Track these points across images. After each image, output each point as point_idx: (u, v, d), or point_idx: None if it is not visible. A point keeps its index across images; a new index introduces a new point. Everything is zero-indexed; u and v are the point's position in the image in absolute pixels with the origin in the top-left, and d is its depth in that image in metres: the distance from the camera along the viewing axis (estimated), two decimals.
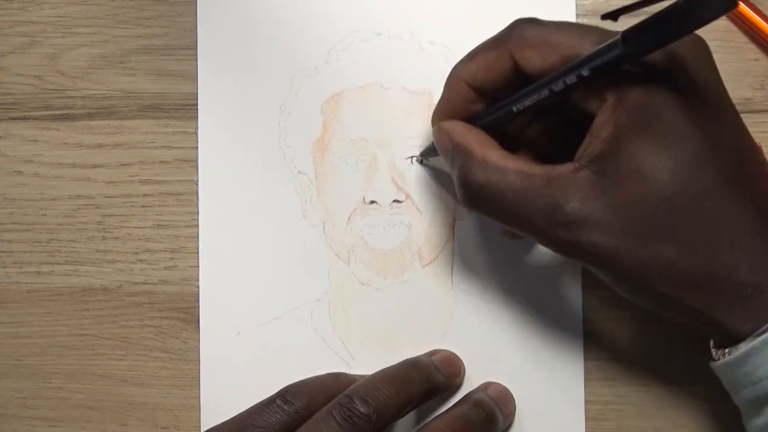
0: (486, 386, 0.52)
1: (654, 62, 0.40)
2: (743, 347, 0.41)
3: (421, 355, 0.52)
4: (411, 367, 0.50)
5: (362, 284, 0.53)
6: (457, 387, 0.52)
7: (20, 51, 0.55)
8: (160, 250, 0.54)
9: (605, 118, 0.40)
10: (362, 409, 0.44)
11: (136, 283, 0.54)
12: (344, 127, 0.53)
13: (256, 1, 0.54)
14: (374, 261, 0.53)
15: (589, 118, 0.42)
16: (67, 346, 0.54)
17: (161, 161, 0.54)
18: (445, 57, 0.53)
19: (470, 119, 0.46)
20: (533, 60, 0.43)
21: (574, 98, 0.42)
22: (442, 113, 0.47)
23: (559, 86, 0.41)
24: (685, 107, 0.40)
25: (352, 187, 0.53)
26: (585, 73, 0.40)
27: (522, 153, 0.46)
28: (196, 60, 0.54)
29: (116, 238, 0.54)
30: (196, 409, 0.54)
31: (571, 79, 0.41)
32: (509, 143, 0.46)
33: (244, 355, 0.53)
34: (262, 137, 0.53)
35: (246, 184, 0.53)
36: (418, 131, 0.53)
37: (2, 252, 0.54)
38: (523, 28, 0.43)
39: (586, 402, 0.52)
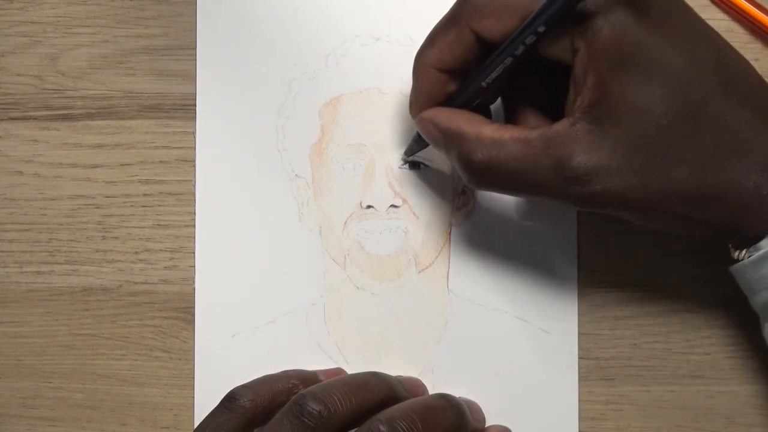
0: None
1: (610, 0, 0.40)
2: (764, 245, 0.42)
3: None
4: (371, 374, 0.49)
5: (358, 289, 0.53)
6: None
7: (20, 51, 0.55)
8: (160, 250, 0.54)
9: (583, 66, 0.41)
10: (314, 407, 0.43)
11: (136, 283, 0.54)
12: (342, 131, 0.53)
13: (256, 4, 0.53)
14: (370, 266, 0.53)
15: (567, 65, 0.42)
16: (67, 346, 0.54)
17: (161, 161, 0.54)
18: None
19: (446, 103, 0.46)
20: (493, 28, 0.42)
21: (544, 53, 0.42)
22: (419, 104, 0.47)
23: (520, 50, 0.41)
24: (654, 32, 0.40)
25: (349, 191, 0.53)
26: (541, 29, 0.40)
27: (527, 114, 0.46)
28: (195, 61, 0.54)
29: (116, 238, 0.54)
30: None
31: (530, 39, 0.41)
32: (510, 110, 0.47)
33: (239, 357, 0.53)
34: (260, 140, 0.53)
35: (243, 186, 0.53)
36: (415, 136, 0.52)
37: (2, 252, 0.55)
38: None
39: (586, 402, 0.52)
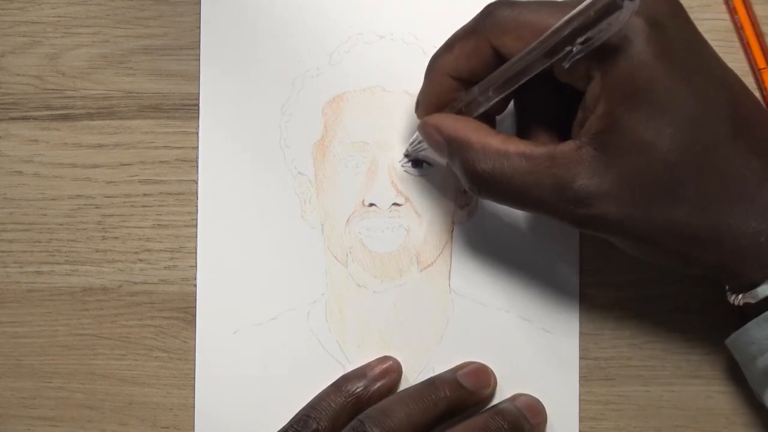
0: (514, 398, 0.51)
1: (630, 30, 0.40)
2: (760, 293, 0.42)
3: (443, 372, 0.51)
4: (428, 386, 0.49)
5: (359, 286, 0.53)
6: (489, 399, 0.52)
7: (20, 51, 0.55)
8: (160, 250, 0.54)
9: (595, 94, 0.41)
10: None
11: (136, 283, 0.54)
12: (345, 129, 0.53)
13: (260, 2, 0.54)
14: (372, 264, 0.53)
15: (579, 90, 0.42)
16: (67, 346, 0.54)
17: (161, 161, 0.54)
18: None
19: (450, 107, 0.46)
20: (513, 45, 0.43)
21: (559, 76, 0.43)
22: (427, 107, 0.47)
23: (535, 69, 0.42)
24: (672, 71, 0.40)
25: (352, 189, 0.53)
26: (577, 46, 0.40)
27: (538, 129, 0.46)
28: (199, 59, 0.54)
29: (116, 238, 0.54)
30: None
31: (542, 62, 0.41)
32: (521, 122, 0.47)
33: (240, 355, 0.53)
34: (263, 138, 0.53)
35: (245, 184, 0.53)
36: (419, 135, 0.52)
37: (2, 252, 0.54)
38: (497, 13, 0.43)
39: (586, 402, 0.52)
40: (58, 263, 0.54)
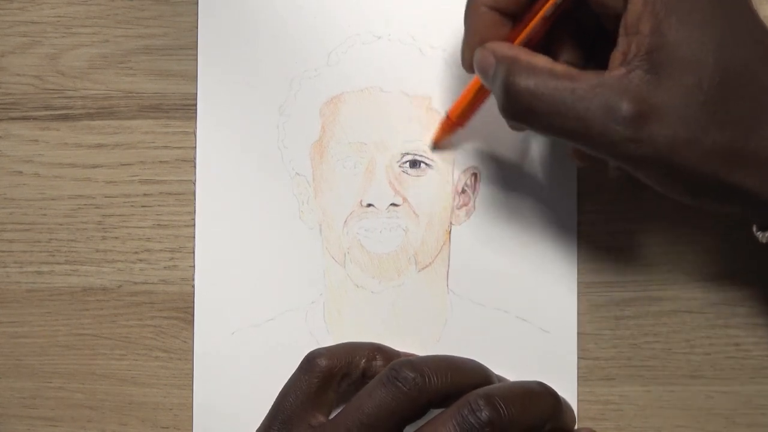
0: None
1: None
2: None
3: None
4: (469, 359, 0.47)
5: (357, 287, 0.53)
6: None
7: (20, 51, 0.55)
8: (160, 250, 0.54)
9: (637, 12, 0.40)
10: (409, 373, 0.43)
11: (136, 283, 0.54)
12: (343, 129, 0.53)
13: (258, 2, 0.54)
14: (370, 264, 0.53)
15: (610, 18, 0.42)
16: (67, 346, 0.54)
17: (161, 161, 0.54)
18: (446, 62, 0.53)
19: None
20: None
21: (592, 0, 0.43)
22: (472, 45, 0.46)
23: None
24: None
25: (350, 189, 0.53)
26: None
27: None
28: (197, 60, 0.54)
29: (116, 238, 0.54)
30: None
31: None
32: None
33: (238, 355, 0.53)
34: (261, 138, 0.53)
35: (243, 184, 0.53)
36: (417, 135, 0.53)
37: (2, 252, 0.55)
38: None
39: (586, 402, 0.52)
40: (58, 263, 0.54)
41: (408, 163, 0.53)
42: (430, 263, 0.53)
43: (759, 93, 0.41)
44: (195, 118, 0.54)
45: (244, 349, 0.53)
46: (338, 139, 0.53)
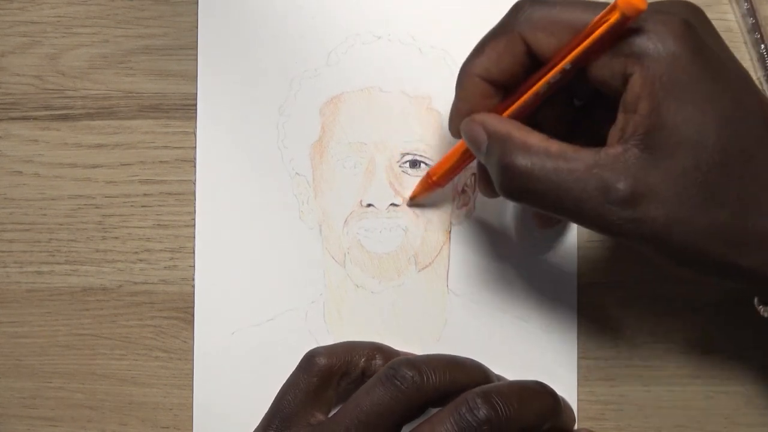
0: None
1: (666, 27, 0.40)
2: None
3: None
4: (468, 358, 0.47)
5: (357, 287, 0.53)
6: None
7: (20, 51, 0.55)
8: (160, 250, 0.54)
9: (636, 92, 0.40)
10: (407, 371, 0.43)
11: (136, 283, 0.54)
12: (343, 129, 0.53)
13: (258, 2, 0.54)
14: (370, 264, 0.53)
15: (606, 96, 0.42)
16: (67, 346, 0.54)
17: (161, 161, 0.54)
18: (445, 61, 0.53)
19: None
20: (546, 42, 0.42)
21: (594, 75, 0.42)
22: (462, 112, 0.46)
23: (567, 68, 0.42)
24: (706, 66, 0.40)
25: (350, 190, 0.53)
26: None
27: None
28: (196, 60, 0.54)
29: (116, 238, 0.54)
30: None
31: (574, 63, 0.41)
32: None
33: (238, 355, 0.53)
34: (261, 138, 0.53)
35: (243, 184, 0.53)
36: (416, 135, 0.53)
37: (2, 252, 0.55)
38: (529, 9, 0.43)
39: (586, 402, 0.52)
40: (58, 263, 0.54)
41: (408, 163, 0.53)
42: (430, 263, 0.53)
43: (759, 175, 0.41)
44: (195, 118, 0.54)
45: (244, 349, 0.53)
46: (338, 139, 0.53)
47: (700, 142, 0.39)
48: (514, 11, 0.43)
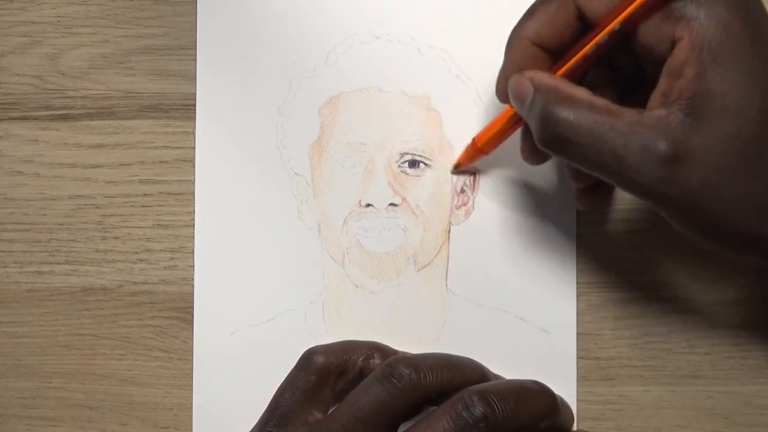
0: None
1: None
2: None
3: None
4: (466, 357, 0.47)
5: (357, 287, 0.53)
6: None
7: (20, 51, 0.55)
8: (160, 250, 0.54)
9: (682, 57, 0.40)
10: (404, 370, 0.43)
11: (136, 283, 0.54)
12: (342, 129, 0.53)
13: (257, 2, 0.54)
14: (369, 264, 0.53)
15: (651, 61, 0.42)
16: (67, 346, 0.54)
17: (161, 161, 0.54)
18: (444, 61, 0.53)
19: None
20: (597, 3, 0.43)
21: (642, 39, 0.42)
22: (510, 76, 0.46)
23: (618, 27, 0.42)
24: (757, 40, 0.40)
25: (349, 189, 0.53)
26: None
27: None
28: (196, 60, 0.54)
29: (116, 238, 0.54)
30: None
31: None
32: None
33: (238, 355, 0.53)
34: (260, 138, 0.53)
35: (242, 185, 0.53)
36: (416, 135, 0.53)
37: (2, 252, 0.55)
38: None
39: (586, 402, 0.52)
40: (58, 263, 0.54)
41: (407, 163, 0.53)
42: (429, 263, 0.53)
43: None
44: (194, 118, 0.54)
45: (244, 349, 0.53)
46: (337, 139, 0.53)
47: (743, 111, 0.39)
48: None
